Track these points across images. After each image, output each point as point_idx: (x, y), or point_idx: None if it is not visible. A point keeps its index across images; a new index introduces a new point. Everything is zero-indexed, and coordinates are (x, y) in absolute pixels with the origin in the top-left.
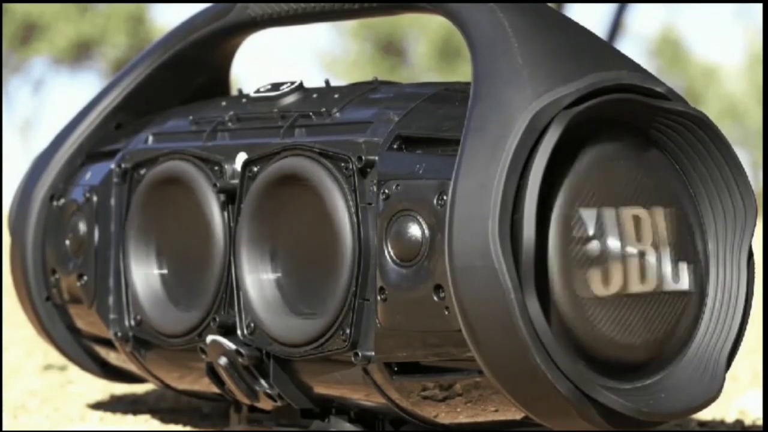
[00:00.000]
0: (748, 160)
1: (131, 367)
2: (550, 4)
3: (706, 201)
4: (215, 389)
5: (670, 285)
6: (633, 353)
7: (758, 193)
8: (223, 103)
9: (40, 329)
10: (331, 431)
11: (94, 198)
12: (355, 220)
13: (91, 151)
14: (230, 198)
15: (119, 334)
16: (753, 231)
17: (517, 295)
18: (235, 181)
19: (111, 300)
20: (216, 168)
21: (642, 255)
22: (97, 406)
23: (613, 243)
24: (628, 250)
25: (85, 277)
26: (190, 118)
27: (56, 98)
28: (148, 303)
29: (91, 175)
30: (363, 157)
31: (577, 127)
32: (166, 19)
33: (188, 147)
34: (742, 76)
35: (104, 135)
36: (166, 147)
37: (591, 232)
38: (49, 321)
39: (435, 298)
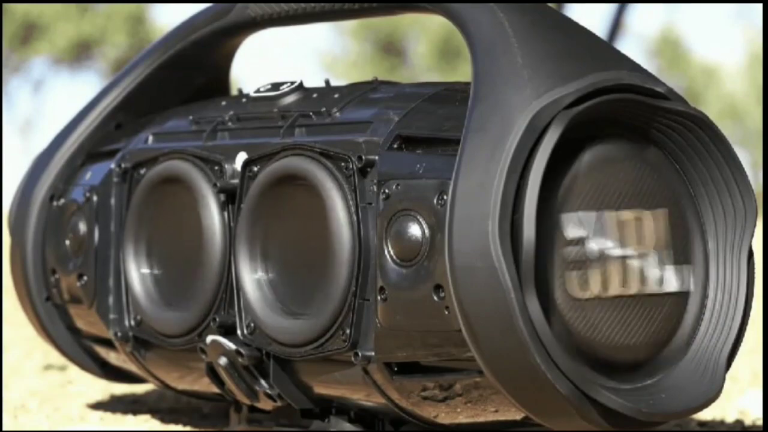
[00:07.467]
0: (748, 160)
1: (131, 367)
2: (550, 4)
3: (706, 201)
4: (215, 389)
5: (670, 285)
6: (633, 353)
7: (758, 193)
8: (223, 103)
9: (40, 329)
10: (331, 431)
11: (94, 198)
12: (355, 219)
13: (91, 151)
14: (230, 198)
15: (119, 334)
16: (753, 231)
17: (517, 295)
18: (235, 181)
19: (111, 300)
20: (216, 168)
21: (642, 255)
22: (97, 406)
23: (613, 243)
24: (628, 250)
25: (85, 277)
26: (190, 117)
27: (56, 98)
28: (148, 303)
29: (91, 175)
30: (363, 157)
31: (577, 127)
32: (166, 19)
33: (188, 147)
34: (742, 76)
35: (104, 135)
36: (166, 147)
37: (591, 232)
38: (49, 321)
39: (435, 298)
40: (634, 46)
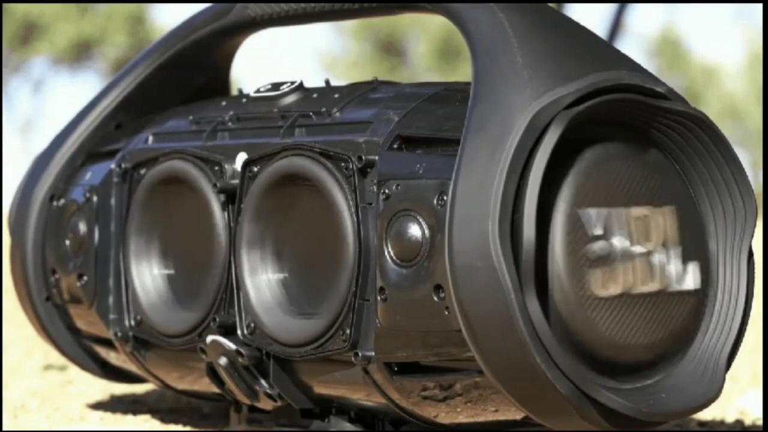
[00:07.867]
0: (748, 160)
1: (131, 367)
2: (550, 4)
3: (706, 201)
4: (215, 389)
5: (669, 286)
6: (633, 353)
7: (758, 193)
8: (223, 103)
9: (40, 329)
10: (331, 431)
11: (94, 198)
12: (355, 220)
13: (92, 151)
14: (230, 198)
15: (119, 334)
16: (753, 231)
17: (517, 295)
18: (236, 181)
19: (111, 300)
20: (216, 168)
21: (641, 255)
22: (97, 406)
23: (613, 243)
24: (628, 250)
25: (85, 277)
26: (190, 117)
27: (56, 98)
28: (148, 303)
29: (91, 175)
30: (363, 157)
31: (577, 127)
32: (166, 19)
33: (188, 147)
34: (742, 76)
35: (104, 135)
36: (166, 147)
37: (590, 232)
38: (49, 321)
39: (435, 298)
40: (634, 46)
